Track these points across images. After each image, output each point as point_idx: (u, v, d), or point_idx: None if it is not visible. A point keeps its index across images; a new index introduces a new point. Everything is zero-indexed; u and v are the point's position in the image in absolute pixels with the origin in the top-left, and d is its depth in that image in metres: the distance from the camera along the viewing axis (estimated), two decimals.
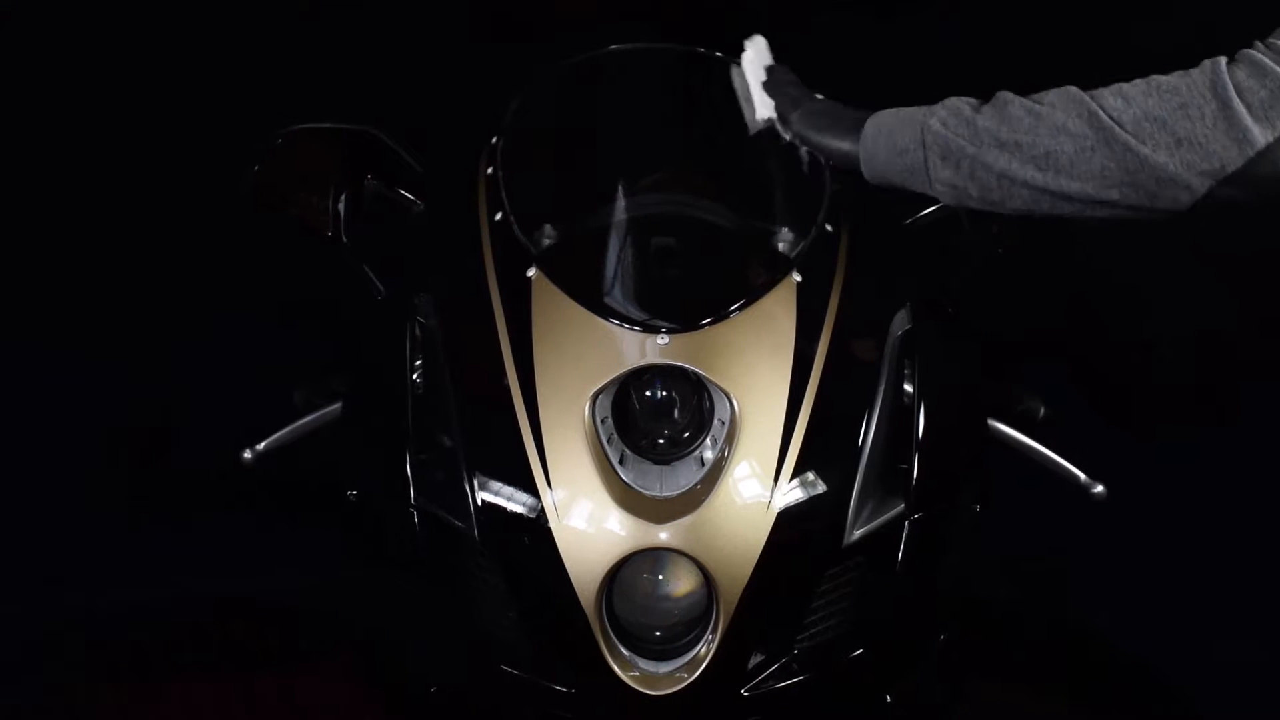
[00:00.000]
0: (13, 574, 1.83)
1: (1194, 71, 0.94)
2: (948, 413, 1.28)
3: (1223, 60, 0.94)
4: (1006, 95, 1.01)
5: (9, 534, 1.86)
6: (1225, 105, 0.90)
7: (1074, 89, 0.98)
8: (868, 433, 1.22)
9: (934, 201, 1.60)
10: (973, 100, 1.03)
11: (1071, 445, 1.41)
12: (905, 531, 1.21)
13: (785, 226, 1.43)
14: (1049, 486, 1.40)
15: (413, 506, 1.22)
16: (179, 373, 2.13)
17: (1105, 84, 0.98)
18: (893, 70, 2.15)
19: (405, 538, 1.23)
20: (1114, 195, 0.95)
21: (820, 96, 1.20)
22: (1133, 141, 0.92)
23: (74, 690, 1.71)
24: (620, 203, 1.40)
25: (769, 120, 1.21)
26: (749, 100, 1.24)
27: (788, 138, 1.19)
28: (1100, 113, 0.94)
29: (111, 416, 2.10)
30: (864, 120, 1.10)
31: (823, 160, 1.17)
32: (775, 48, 1.38)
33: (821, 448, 1.18)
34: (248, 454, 1.37)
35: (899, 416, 1.25)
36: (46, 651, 1.76)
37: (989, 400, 1.41)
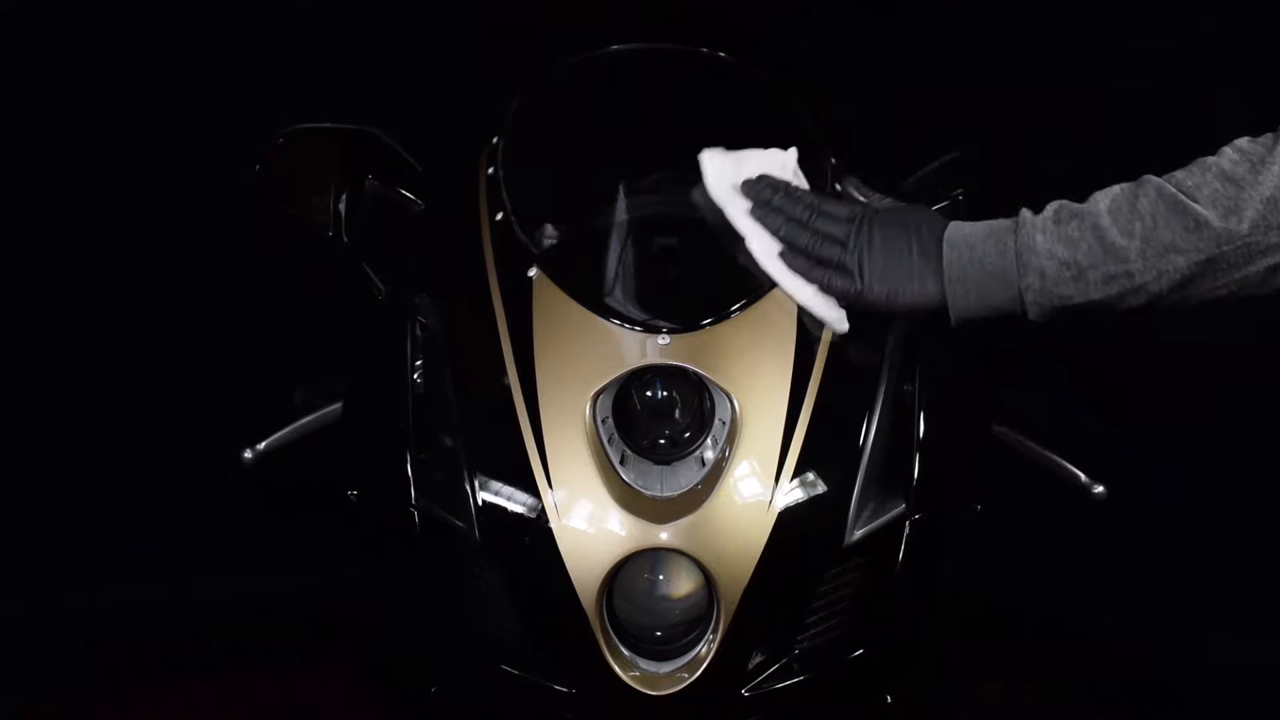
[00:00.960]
0: (13, 574, 1.83)
1: None
2: (948, 413, 1.28)
3: None
4: (1099, 213, 0.92)
5: (9, 534, 1.86)
6: None
7: (1169, 189, 0.90)
8: (868, 433, 1.22)
9: (935, 201, 1.61)
10: (1060, 222, 0.92)
11: (1071, 446, 1.42)
12: (906, 532, 1.21)
13: None
14: (1049, 487, 1.41)
15: (413, 507, 1.22)
16: (179, 373, 2.13)
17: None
18: (893, 70, 2.15)
19: (405, 538, 1.23)
20: (1222, 289, 0.92)
21: (820, 197, 1.01)
22: (1248, 238, 0.88)
23: (74, 690, 1.71)
24: (621, 203, 1.40)
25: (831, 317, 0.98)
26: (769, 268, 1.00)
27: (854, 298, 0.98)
28: (1210, 219, 0.88)
29: (111, 416, 2.10)
30: (936, 264, 0.97)
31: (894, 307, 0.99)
32: (774, 48, 1.36)
33: (822, 448, 1.18)
34: (248, 454, 1.37)
35: (900, 417, 1.25)
36: (46, 651, 1.76)
37: (990, 401, 1.41)
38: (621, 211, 1.39)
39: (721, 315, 1.25)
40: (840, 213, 1.00)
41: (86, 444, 2.05)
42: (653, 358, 1.21)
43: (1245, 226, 0.89)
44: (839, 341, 1.27)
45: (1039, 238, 0.93)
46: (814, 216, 1.00)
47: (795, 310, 1.27)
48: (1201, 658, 1.80)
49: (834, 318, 0.99)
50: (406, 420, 1.26)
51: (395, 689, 1.43)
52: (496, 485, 1.18)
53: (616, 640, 1.15)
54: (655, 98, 1.61)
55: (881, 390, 1.26)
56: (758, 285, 1.29)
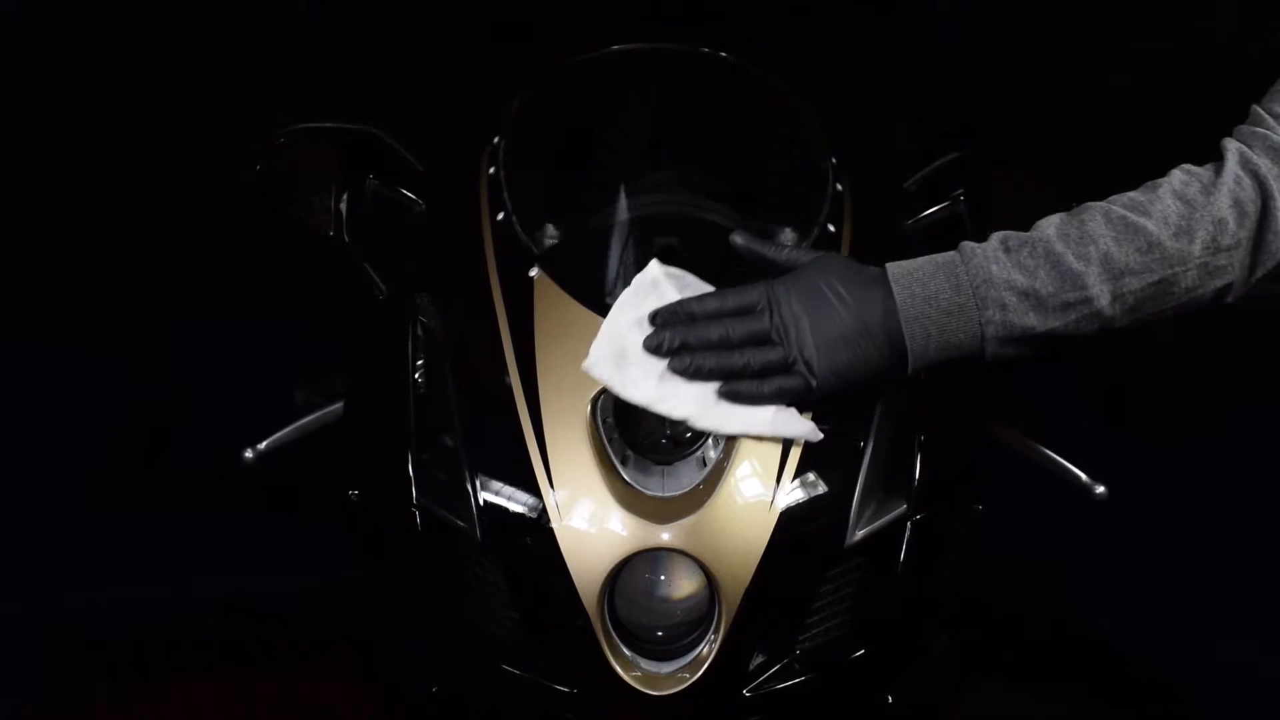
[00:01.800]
0: (13, 574, 1.83)
1: (1231, 165, 0.89)
2: (949, 413, 1.28)
3: (1248, 151, 0.90)
4: (1049, 239, 0.89)
5: (9, 534, 1.86)
6: (1269, 200, 0.88)
7: (1116, 210, 0.89)
8: (869, 433, 1.22)
9: (935, 201, 1.62)
10: (1010, 250, 0.90)
11: (1071, 446, 1.42)
12: (907, 532, 1.21)
13: (787, 227, 1.43)
14: (1049, 486, 1.41)
15: (414, 506, 1.22)
16: (179, 373, 2.13)
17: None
18: (893, 70, 2.15)
19: (406, 538, 1.23)
20: (1170, 311, 0.90)
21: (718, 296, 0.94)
22: (1199, 259, 0.88)
23: (74, 690, 1.71)
24: (622, 203, 1.40)
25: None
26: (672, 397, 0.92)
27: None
28: (1163, 239, 0.87)
29: (111, 416, 2.10)
30: (876, 319, 0.91)
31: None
32: (775, 48, 1.36)
33: (823, 448, 1.18)
34: (248, 454, 1.37)
35: (901, 417, 1.25)
36: (46, 651, 1.76)
37: (990, 401, 1.41)
38: (623, 211, 1.40)
39: None
40: (751, 299, 0.93)
41: (86, 444, 2.05)
42: None
43: (1197, 248, 0.88)
44: None
45: (993, 268, 0.90)
46: (729, 325, 0.92)
47: None
48: (1202, 658, 1.80)
49: (804, 430, 0.93)
50: (407, 420, 1.26)
51: (395, 689, 1.43)
52: (498, 485, 1.18)
53: (618, 640, 1.15)
54: (656, 98, 1.61)
55: None
56: None
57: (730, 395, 0.92)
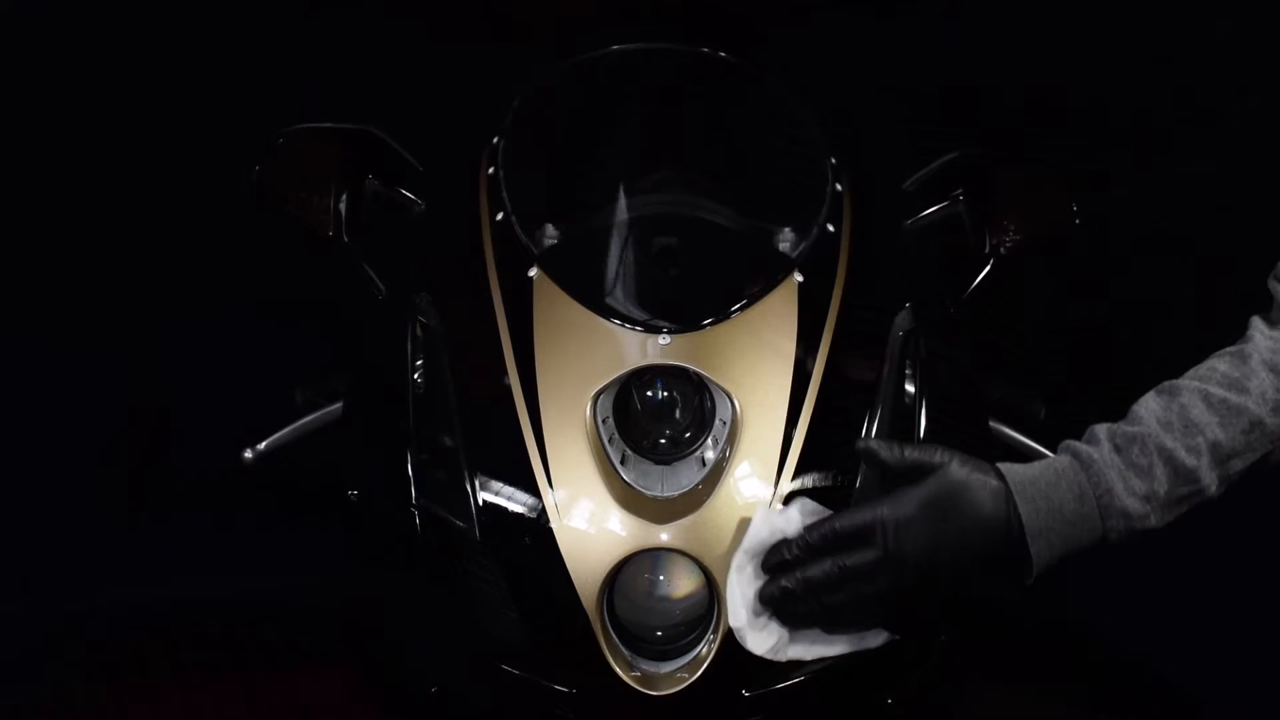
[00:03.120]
0: (13, 574, 1.83)
1: None
2: (949, 413, 1.28)
3: None
4: (1155, 433, 0.90)
5: (9, 534, 1.86)
6: None
7: (1216, 393, 0.90)
8: (869, 433, 1.22)
9: (935, 201, 1.62)
10: (1122, 450, 0.90)
11: None
12: None
13: (787, 226, 1.43)
14: None
15: (413, 506, 1.22)
16: (179, 373, 2.13)
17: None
18: (893, 70, 2.15)
19: (406, 538, 1.23)
20: (1264, 471, 0.92)
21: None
22: None
23: (74, 690, 1.71)
24: (622, 202, 1.40)
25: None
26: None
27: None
28: (1264, 419, 0.89)
29: (111, 416, 2.10)
30: (1005, 545, 0.92)
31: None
32: (775, 48, 1.36)
33: (823, 448, 1.18)
34: (248, 454, 1.37)
35: (900, 417, 1.25)
36: (46, 651, 1.76)
37: (990, 400, 1.41)
38: (622, 211, 1.40)
39: (722, 315, 1.25)
40: (865, 521, 0.94)
41: (85, 444, 2.05)
42: (653, 358, 1.21)
43: None
44: (839, 341, 1.27)
45: (1112, 475, 0.90)
46: (838, 560, 0.95)
47: (796, 310, 1.28)
48: (1201, 658, 1.80)
49: (879, 641, 0.99)
50: (407, 420, 1.26)
51: (395, 689, 1.43)
52: (497, 485, 1.18)
53: (617, 640, 1.15)
54: (656, 97, 1.61)
55: (881, 390, 1.26)
56: (758, 286, 1.29)
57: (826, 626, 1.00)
